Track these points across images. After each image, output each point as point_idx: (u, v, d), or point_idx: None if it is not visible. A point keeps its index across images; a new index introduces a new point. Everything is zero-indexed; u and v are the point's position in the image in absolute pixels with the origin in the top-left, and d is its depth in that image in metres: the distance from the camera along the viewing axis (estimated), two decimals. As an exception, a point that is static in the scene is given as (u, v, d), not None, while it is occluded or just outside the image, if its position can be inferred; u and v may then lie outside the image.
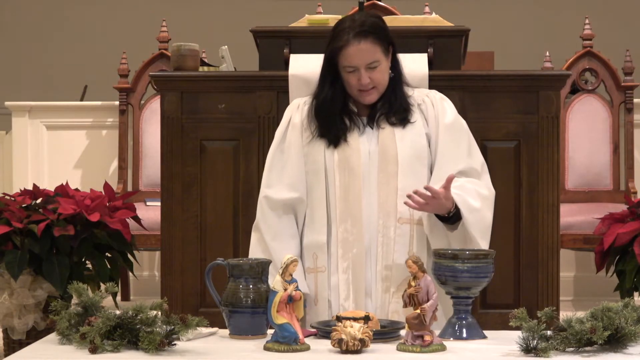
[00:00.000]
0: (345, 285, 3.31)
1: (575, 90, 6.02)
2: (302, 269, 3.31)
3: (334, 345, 2.69)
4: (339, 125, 3.35)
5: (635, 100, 5.97)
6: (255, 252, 3.38)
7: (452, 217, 3.25)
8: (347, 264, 3.31)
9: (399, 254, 3.30)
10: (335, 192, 3.33)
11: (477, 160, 3.41)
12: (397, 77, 3.40)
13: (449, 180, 3.21)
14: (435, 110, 3.40)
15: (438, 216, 3.28)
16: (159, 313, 2.75)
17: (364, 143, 3.35)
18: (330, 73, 3.35)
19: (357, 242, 3.31)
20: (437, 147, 3.36)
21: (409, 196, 3.18)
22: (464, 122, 3.45)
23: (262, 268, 2.95)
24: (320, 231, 3.34)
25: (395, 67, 3.40)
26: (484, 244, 3.28)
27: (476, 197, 3.29)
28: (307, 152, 3.37)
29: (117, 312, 2.75)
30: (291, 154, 3.39)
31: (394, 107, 3.36)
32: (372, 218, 3.31)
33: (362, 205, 3.31)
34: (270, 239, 3.35)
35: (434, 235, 3.30)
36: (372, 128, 3.37)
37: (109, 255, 4.75)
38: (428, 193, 3.16)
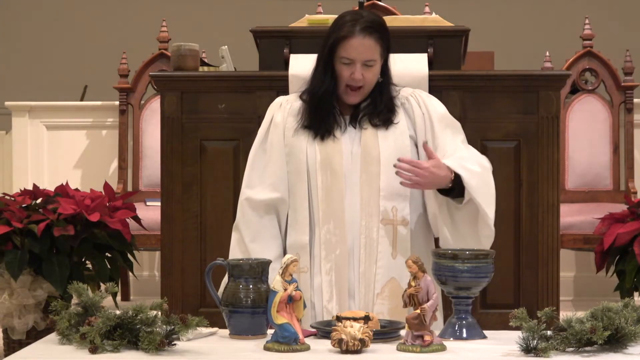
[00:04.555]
0: (329, 287, 3.30)
1: (575, 90, 6.02)
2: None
3: (334, 345, 2.69)
4: (331, 120, 3.34)
5: (635, 100, 5.96)
6: (234, 253, 3.38)
7: (454, 189, 3.23)
8: (330, 266, 3.30)
9: (382, 255, 3.29)
10: (317, 193, 3.32)
11: (475, 150, 3.40)
12: (385, 82, 3.38)
13: (425, 146, 3.21)
14: (423, 109, 3.38)
15: (442, 192, 3.26)
16: (159, 313, 2.75)
17: (346, 143, 3.33)
18: (330, 64, 3.33)
19: (340, 244, 3.29)
20: (434, 138, 3.34)
21: (397, 172, 3.18)
22: (456, 121, 3.44)
23: (262, 268, 2.95)
24: (303, 232, 3.33)
25: (385, 72, 3.38)
26: (490, 211, 3.26)
27: (475, 163, 3.27)
28: (289, 151, 3.36)
29: (117, 312, 2.75)
30: (273, 154, 3.37)
31: (378, 109, 3.35)
32: (355, 219, 3.30)
33: (344, 207, 3.30)
34: (249, 241, 3.35)
35: (440, 221, 3.29)
36: (355, 128, 3.36)
37: (109, 255, 4.75)
38: (409, 160, 3.18)
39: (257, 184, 3.38)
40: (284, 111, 3.41)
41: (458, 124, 3.43)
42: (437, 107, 3.40)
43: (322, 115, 3.34)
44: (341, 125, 3.36)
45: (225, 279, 3.24)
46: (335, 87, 3.34)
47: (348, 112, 3.39)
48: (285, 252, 3.35)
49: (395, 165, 3.20)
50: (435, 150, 3.32)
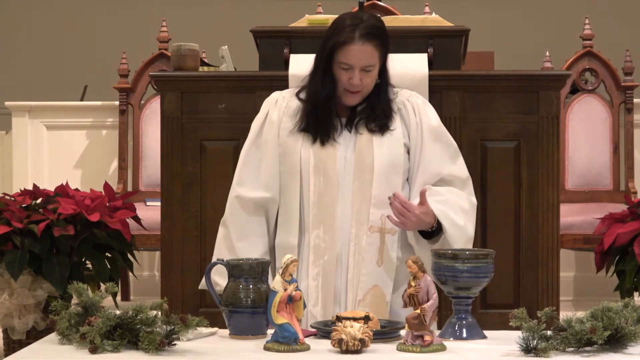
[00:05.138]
0: (315, 292, 3.28)
1: (575, 90, 6.02)
2: (269, 270, 3.21)
3: (334, 345, 2.69)
4: (329, 123, 3.33)
5: (635, 100, 5.97)
6: (220, 248, 3.37)
7: (434, 232, 3.25)
8: (317, 271, 3.28)
9: (367, 262, 3.27)
10: (309, 196, 3.29)
11: (462, 170, 3.38)
12: (383, 84, 3.36)
13: (423, 194, 3.21)
14: (417, 117, 3.36)
15: (420, 232, 3.28)
16: (159, 313, 2.75)
17: (340, 148, 3.32)
18: (329, 67, 3.31)
19: (329, 250, 3.28)
20: (421, 150, 3.33)
21: (391, 203, 3.19)
22: (447, 132, 3.42)
23: (262, 268, 2.95)
24: (293, 233, 3.31)
25: (383, 74, 3.36)
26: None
27: (459, 212, 3.27)
28: (283, 150, 3.34)
29: (117, 312, 2.75)
30: (267, 151, 3.35)
31: (375, 113, 3.33)
32: (345, 226, 3.28)
33: (335, 213, 3.28)
34: (236, 239, 3.34)
35: (420, 245, 3.30)
36: (350, 132, 3.34)
37: (109, 255, 4.75)
38: (403, 201, 3.17)
39: (249, 181, 3.36)
40: (279, 109, 3.38)
41: (449, 138, 3.40)
42: (430, 118, 3.38)
43: (321, 119, 3.32)
44: (337, 128, 3.34)
45: (215, 279, 3.23)
46: (335, 91, 3.33)
47: (345, 114, 3.36)
48: (272, 251, 3.35)
49: (389, 198, 3.20)
50: (420, 162, 3.32)
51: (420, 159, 3.33)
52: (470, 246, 3.29)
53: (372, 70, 3.29)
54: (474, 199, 3.37)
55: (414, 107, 3.38)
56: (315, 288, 3.28)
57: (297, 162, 3.32)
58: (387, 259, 3.28)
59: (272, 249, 3.37)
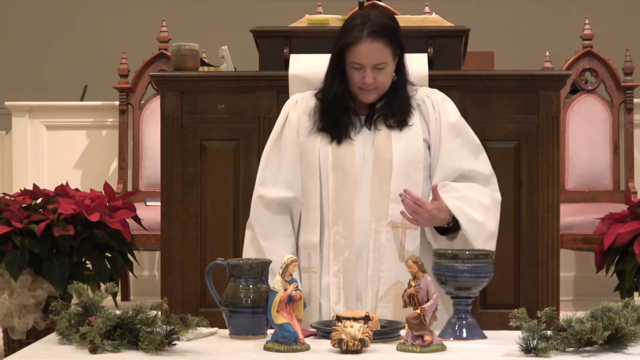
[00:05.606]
0: (336, 289, 3.28)
1: (575, 90, 6.02)
2: (297, 269, 3.26)
3: (334, 345, 2.69)
4: (346, 122, 3.33)
5: (635, 100, 5.97)
6: (248, 250, 3.38)
7: (451, 228, 3.25)
8: (338, 267, 3.29)
9: (387, 257, 3.27)
10: (328, 193, 3.30)
11: (485, 166, 3.37)
12: (401, 80, 3.36)
13: (435, 190, 3.20)
14: (436, 113, 3.35)
15: (437, 229, 3.27)
16: (159, 313, 2.75)
17: (358, 145, 3.32)
18: (340, 68, 3.31)
19: (349, 246, 3.28)
20: (440, 145, 3.32)
21: (402, 200, 3.18)
22: (469, 128, 3.41)
23: (262, 268, 2.95)
24: (314, 231, 3.32)
25: (400, 70, 3.36)
26: (488, 247, 3.25)
27: (478, 207, 3.26)
28: (302, 150, 3.34)
29: (117, 312, 2.75)
30: (287, 152, 3.36)
31: (393, 109, 3.33)
32: (364, 222, 3.28)
33: (354, 209, 3.28)
34: (262, 239, 3.34)
35: (437, 242, 3.29)
36: (369, 129, 3.34)
37: (109, 255, 4.75)
38: (415, 197, 3.16)
39: (271, 182, 3.37)
40: (299, 109, 3.39)
41: (471, 134, 3.38)
42: (449, 114, 3.37)
43: (336, 118, 3.32)
44: (355, 125, 3.34)
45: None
46: (346, 90, 3.32)
47: (364, 111, 3.37)
48: (297, 251, 3.36)
49: (400, 195, 3.20)
50: (439, 158, 3.32)
51: (439, 155, 3.32)
52: (492, 242, 3.27)
53: (384, 67, 3.29)
54: (498, 195, 3.35)
55: (434, 103, 3.37)
56: (337, 285, 3.28)
57: (315, 160, 3.32)
58: (409, 255, 3.27)
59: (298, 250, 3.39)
